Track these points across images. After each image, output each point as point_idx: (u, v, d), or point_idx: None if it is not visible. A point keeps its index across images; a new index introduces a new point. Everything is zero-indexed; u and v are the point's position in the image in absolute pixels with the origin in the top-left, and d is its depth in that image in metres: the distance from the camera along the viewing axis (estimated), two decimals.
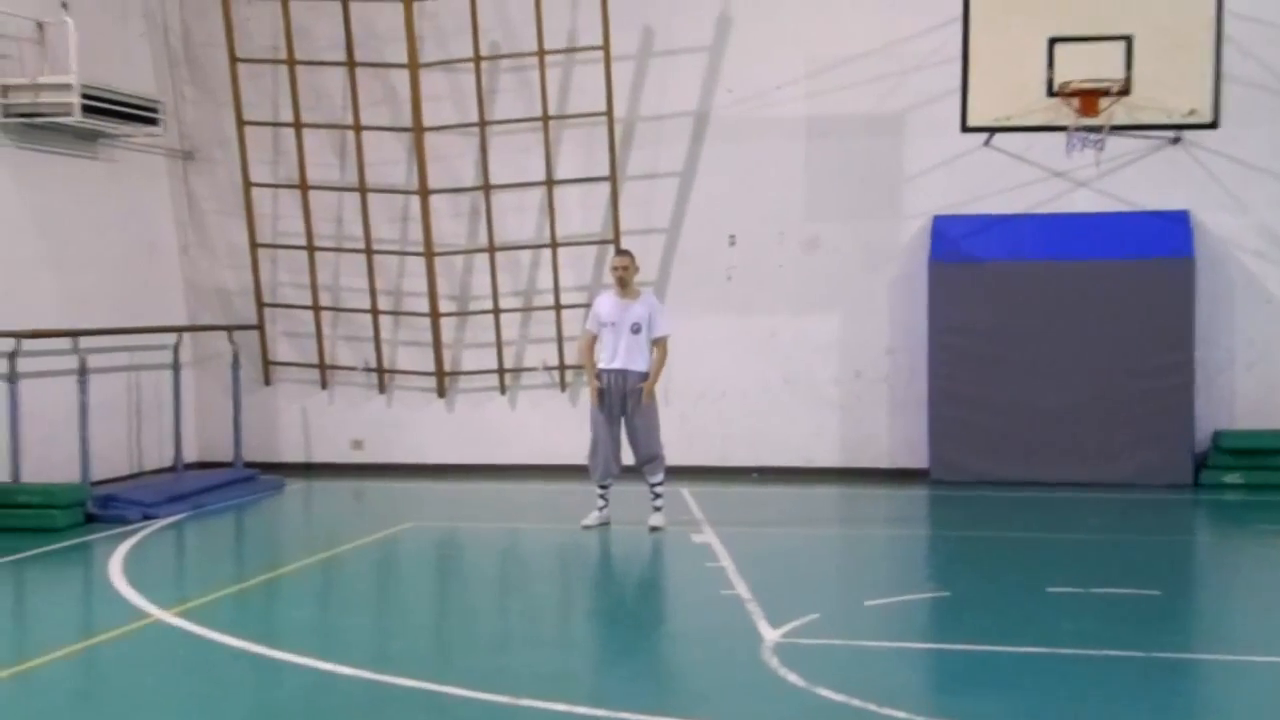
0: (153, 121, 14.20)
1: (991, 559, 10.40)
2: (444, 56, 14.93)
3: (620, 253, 11.89)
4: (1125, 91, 12.36)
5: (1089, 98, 12.35)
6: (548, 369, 15.25)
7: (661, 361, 11.50)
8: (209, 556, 11.55)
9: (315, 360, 15.69)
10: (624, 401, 11.42)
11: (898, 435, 14.50)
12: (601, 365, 11.48)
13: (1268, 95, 13.75)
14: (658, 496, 11.59)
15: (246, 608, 9.12)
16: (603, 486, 11.65)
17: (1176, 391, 13.57)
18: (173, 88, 15.57)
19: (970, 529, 11.80)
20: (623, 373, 11.39)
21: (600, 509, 11.68)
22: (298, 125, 15.18)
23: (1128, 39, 12.31)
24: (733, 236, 14.82)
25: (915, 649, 7.94)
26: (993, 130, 13.22)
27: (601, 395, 11.39)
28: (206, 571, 10.82)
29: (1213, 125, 12.53)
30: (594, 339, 11.65)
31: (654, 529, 11.41)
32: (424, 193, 14.99)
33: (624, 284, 11.47)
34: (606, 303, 11.51)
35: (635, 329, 11.35)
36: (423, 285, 15.26)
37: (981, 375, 13.90)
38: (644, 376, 11.40)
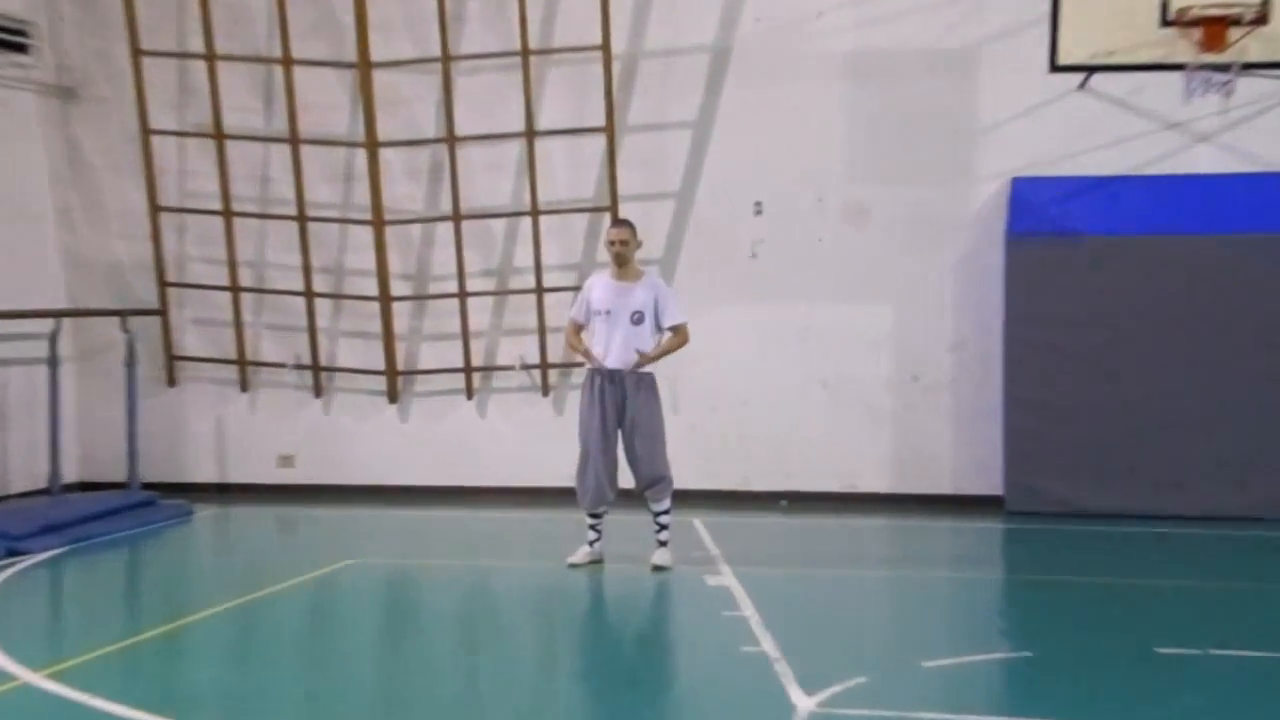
0: (22, 49, 14.04)
1: (1084, 611, 10.30)
2: None
3: (618, 223, 11.81)
4: (1261, 20, 12.24)
5: (1214, 28, 12.27)
6: (526, 368, 15.24)
7: (677, 347, 11.48)
8: (92, 603, 11.34)
9: (233, 355, 15.68)
10: (622, 409, 11.35)
11: (964, 454, 14.53)
12: (593, 364, 11.43)
13: None
14: (663, 528, 11.54)
15: (139, 668, 8.96)
16: (595, 515, 11.60)
17: None
18: (48, 5, 15.48)
19: (1056, 572, 11.73)
20: (619, 373, 11.32)
21: (591, 543, 11.63)
22: (211, 57, 15.12)
23: None
24: (759, 204, 14.84)
25: None
26: (1090, 70, 13.22)
27: (598, 378, 11.33)
28: (89, 622, 10.60)
29: None
30: (579, 330, 11.59)
31: (658, 568, 11.39)
32: (372, 145, 14.96)
33: (622, 262, 11.41)
34: (600, 286, 11.44)
35: (636, 318, 11.29)
36: (370, 262, 15.23)
37: (1071, 380, 13.87)
38: (645, 378, 11.35)
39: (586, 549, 11.62)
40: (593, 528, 11.64)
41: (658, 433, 11.47)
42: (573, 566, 11.52)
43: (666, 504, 11.53)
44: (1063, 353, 13.88)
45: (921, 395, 14.62)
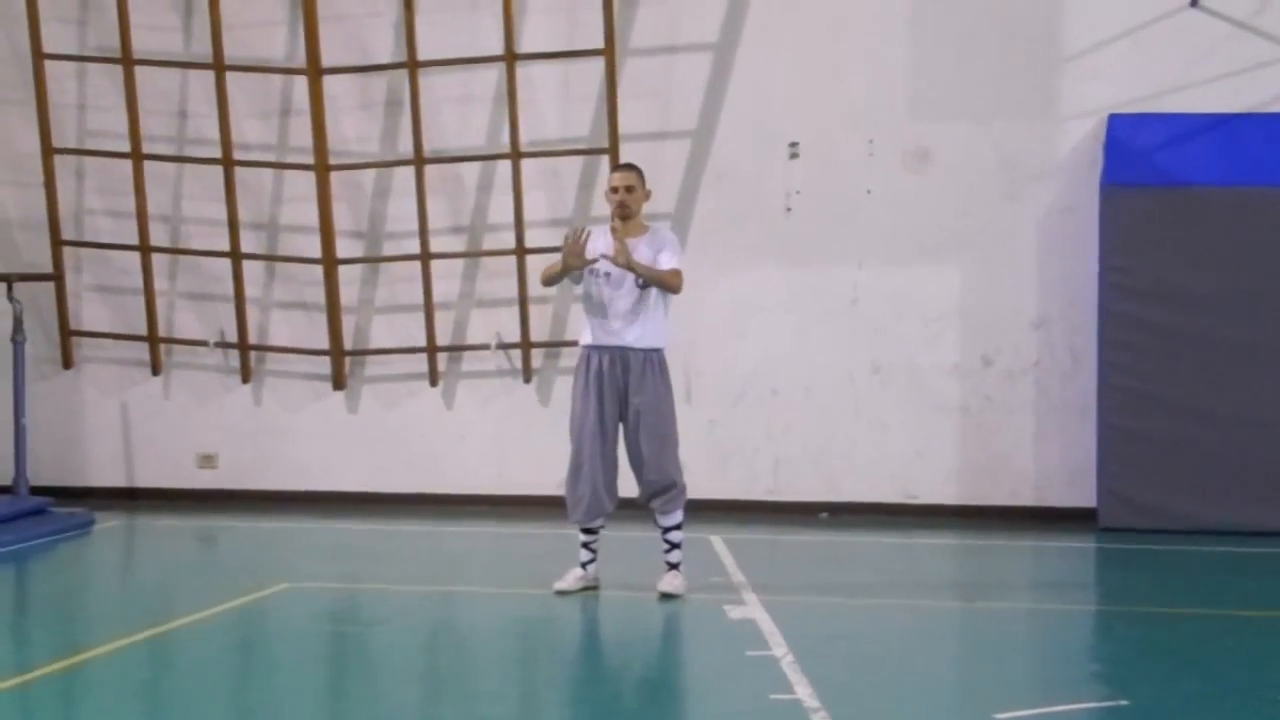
0: None
1: (1192, 648, 10.30)
2: None
3: (621, 168, 11.75)
4: None
5: None
6: (503, 348, 15.25)
7: (667, 281, 11.20)
8: None
9: (143, 330, 15.67)
10: (624, 397, 11.25)
11: (1048, 457, 14.59)
12: (587, 341, 11.36)
13: None
14: (673, 547, 11.47)
15: (21, 715, 8.84)
16: (588, 531, 11.51)
17: None
18: None
19: (1159, 602, 11.73)
20: (621, 352, 11.22)
21: (584, 565, 11.55)
22: None
23: None
24: (795, 145, 14.86)
25: None
26: None
27: (595, 359, 11.20)
28: None
29: None
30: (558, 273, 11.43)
31: (666, 596, 11.34)
32: (314, 72, 14.94)
33: (626, 215, 11.32)
34: (599, 243, 11.35)
35: (642, 281, 11.17)
36: (312, 216, 15.22)
37: (1182, 366, 13.91)
38: (653, 355, 11.25)
39: (578, 572, 11.53)
40: (586, 546, 11.54)
41: (668, 428, 11.37)
42: (561, 594, 11.44)
43: (678, 517, 11.44)
44: (1172, 331, 13.90)
45: (996, 384, 14.66)
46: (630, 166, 11.64)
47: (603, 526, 11.54)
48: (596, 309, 11.29)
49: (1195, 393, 13.89)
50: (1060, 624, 11.37)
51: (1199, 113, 14.16)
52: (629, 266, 11.02)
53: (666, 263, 11.20)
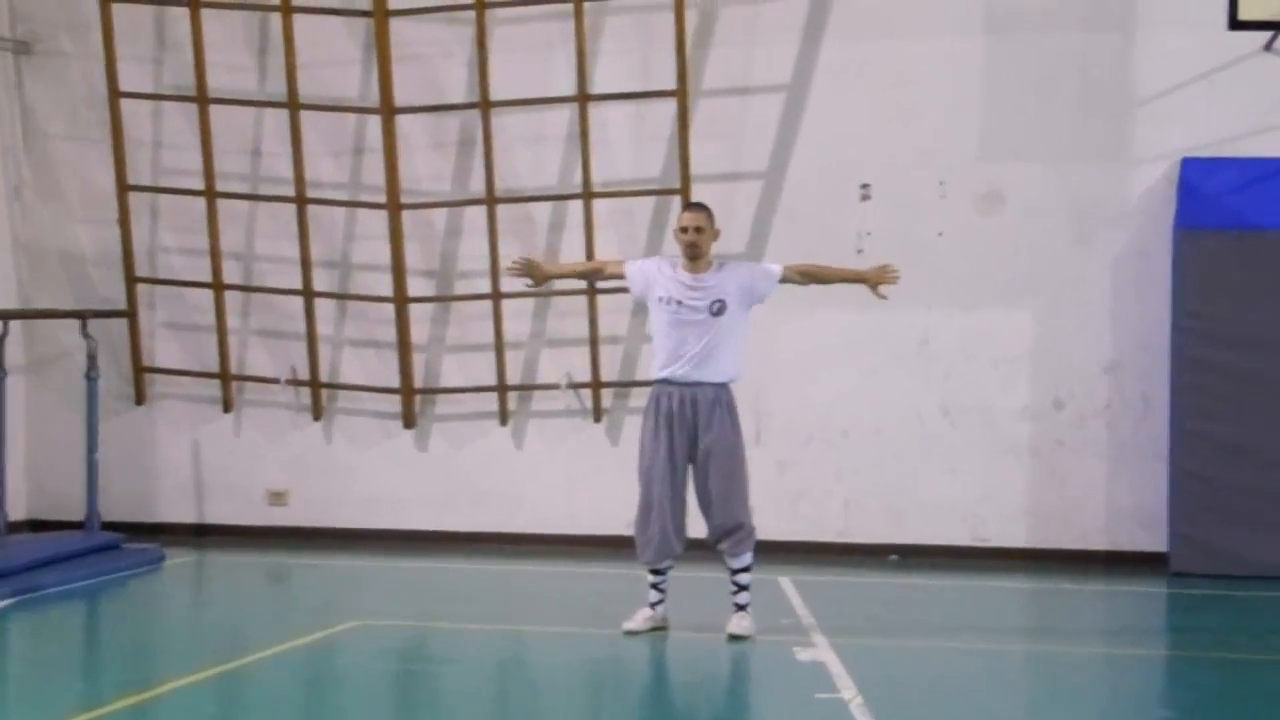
0: None
1: (1266, 697, 10.21)
2: None
3: (691, 207, 11.76)
4: None
5: None
6: (574, 387, 15.25)
7: (827, 270, 11.78)
8: (39, 668, 11.24)
9: (215, 368, 15.72)
10: (694, 437, 11.23)
11: (1120, 500, 14.49)
12: (657, 375, 11.36)
13: None
14: (741, 589, 11.43)
15: None
16: (657, 572, 11.50)
17: None
18: None
19: (1233, 648, 11.61)
20: (692, 389, 11.21)
21: (653, 605, 11.53)
22: (194, 3, 15.16)
23: None
24: (866, 187, 14.84)
25: None
26: (1279, 27, 13.22)
27: (665, 397, 11.28)
28: (33, 691, 10.54)
29: None
30: (610, 267, 11.86)
31: (735, 637, 11.30)
32: (388, 111, 14.99)
33: (695, 255, 11.30)
34: (665, 272, 11.36)
35: (717, 308, 11.17)
36: (384, 254, 15.25)
37: (1255, 410, 13.84)
38: (723, 393, 11.26)
39: (647, 612, 11.52)
40: (655, 586, 11.53)
41: (738, 469, 11.36)
42: (630, 634, 11.42)
43: (747, 559, 11.41)
44: (1245, 376, 13.83)
45: (1068, 427, 14.57)
46: (700, 206, 11.63)
47: (671, 567, 11.53)
48: (666, 340, 11.29)
49: (1268, 438, 13.79)
50: (1131, 669, 11.30)
51: (1272, 157, 14.06)
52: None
53: (772, 273, 11.46)
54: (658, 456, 11.28)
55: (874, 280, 11.61)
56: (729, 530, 11.31)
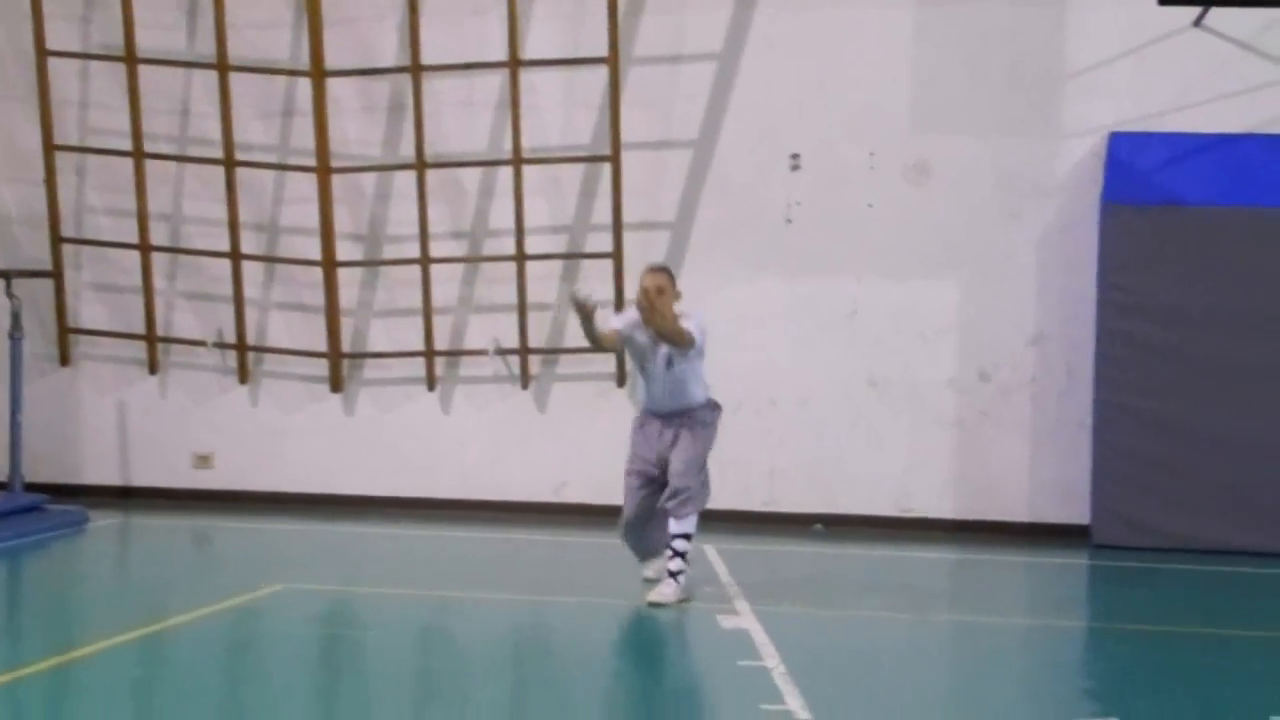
0: None
1: (1185, 667, 10.29)
2: None
3: (652, 270, 11.69)
4: None
5: None
6: (502, 353, 15.23)
7: (672, 325, 11.31)
8: None
9: (141, 329, 15.66)
10: (669, 441, 11.65)
11: (1044, 473, 14.57)
12: (643, 408, 11.78)
13: None
14: (676, 554, 11.52)
15: (6, 713, 8.80)
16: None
17: None
18: None
19: (1152, 620, 11.71)
20: (666, 416, 11.66)
21: (674, 576, 11.67)
22: None
23: None
24: (796, 157, 14.85)
25: None
26: (1207, 2, 13.20)
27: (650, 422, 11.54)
28: None
29: None
30: (611, 340, 11.82)
31: (653, 604, 11.39)
32: (318, 74, 14.94)
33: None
34: (636, 325, 11.63)
35: (667, 363, 11.55)
36: (313, 218, 15.22)
37: (1179, 385, 13.88)
38: (695, 411, 11.58)
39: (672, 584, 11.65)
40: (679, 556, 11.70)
41: (700, 450, 11.64)
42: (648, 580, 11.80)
43: (688, 525, 11.53)
44: (1168, 351, 13.88)
45: (993, 399, 14.64)
46: (661, 268, 11.78)
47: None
48: (643, 378, 11.73)
49: (1191, 411, 13.85)
50: (1052, 640, 11.35)
51: (1200, 132, 14.13)
52: (650, 310, 11.18)
53: (685, 324, 11.42)
54: (633, 467, 11.70)
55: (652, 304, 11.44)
56: (677, 489, 11.48)
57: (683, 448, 11.59)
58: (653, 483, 11.68)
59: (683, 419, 11.62)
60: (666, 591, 11.42)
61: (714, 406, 11.77)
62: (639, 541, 11.92)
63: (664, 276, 11.60)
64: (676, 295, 11.63)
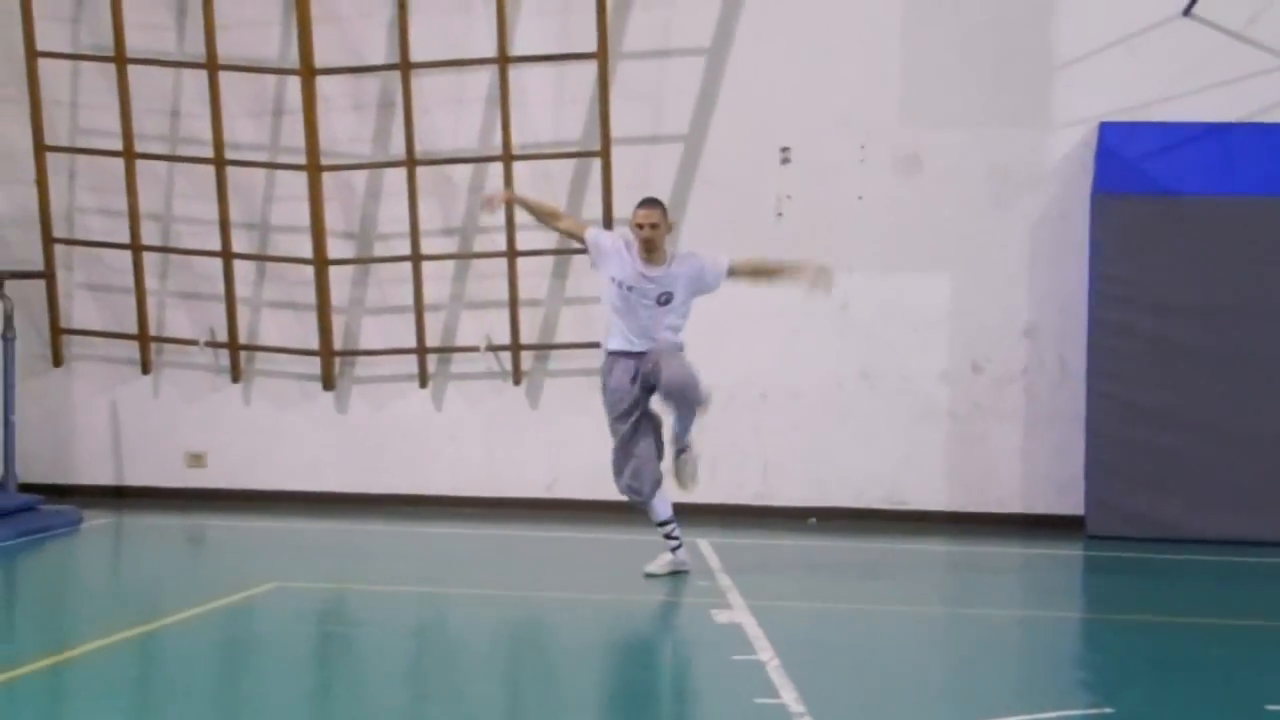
0: None
1: (1179, 657, 10.29)
2: None
3: (645, 204, 11.86)
4: None
5: None
6: (494, 349, 15.20)
7: (771, 265, 12.01)
8: None
9: (134, 329, 15.62)
10: (648, 375, 11.61)
11: (1037, 465, 14.58)
12: (612, 347, 11.72)
13: None
14: (680, 452, 12.02)
15: (6, 712, 8.75)
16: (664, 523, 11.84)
17: None
18: None
19: (1147, 610, 11.72)
20: (642, 355, 11.61)
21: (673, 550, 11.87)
22: None
23: None
24: (786, 150, 14.83)
25: None
26: None
27: (621, 364, 11.62)
28: None
29: None
30: (568, 225, 12.11)
31: (651, 575, 11.57)
32: (307, 73, 14.92)
33: (651, 249, 11.62)
34: (623, 254, 11.62)
35: (664, 299, 11.52)
36: (304, 216, 15.18)
37: (1171, 375, 13.88)
38: (674, 345, 11.59)
39: (668, 557, 11.83)
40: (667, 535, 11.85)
41: (688, 365, 11.67)
42: (650, 576, 11.83)
43: (691, 419, 11.84)
44: (1161, 341, 13.87)
45: (985, 391, 14.63)
46: (654, 201, 11.89)
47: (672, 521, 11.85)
48: (616, 317, 11.67)
49: (1184, 402, 13.84)
50: (1046, 631, 11.37)
51: (1191, 122, 14.12)
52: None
53: (721, 264, 11.72)
54: (622, 404, 11.70)
55: (810, 280, 11.93)
56: (680, 384, 11.52)
57: (668, 359, 11.52)
58: (643, 416, 11.67)
59: (657, 347, 11.56)
60: (669, 562, 11.72)
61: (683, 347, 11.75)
62: (645, 482, 11.76)
63: (658, 211, 11.70)
64: (669, 227, 11.76)
